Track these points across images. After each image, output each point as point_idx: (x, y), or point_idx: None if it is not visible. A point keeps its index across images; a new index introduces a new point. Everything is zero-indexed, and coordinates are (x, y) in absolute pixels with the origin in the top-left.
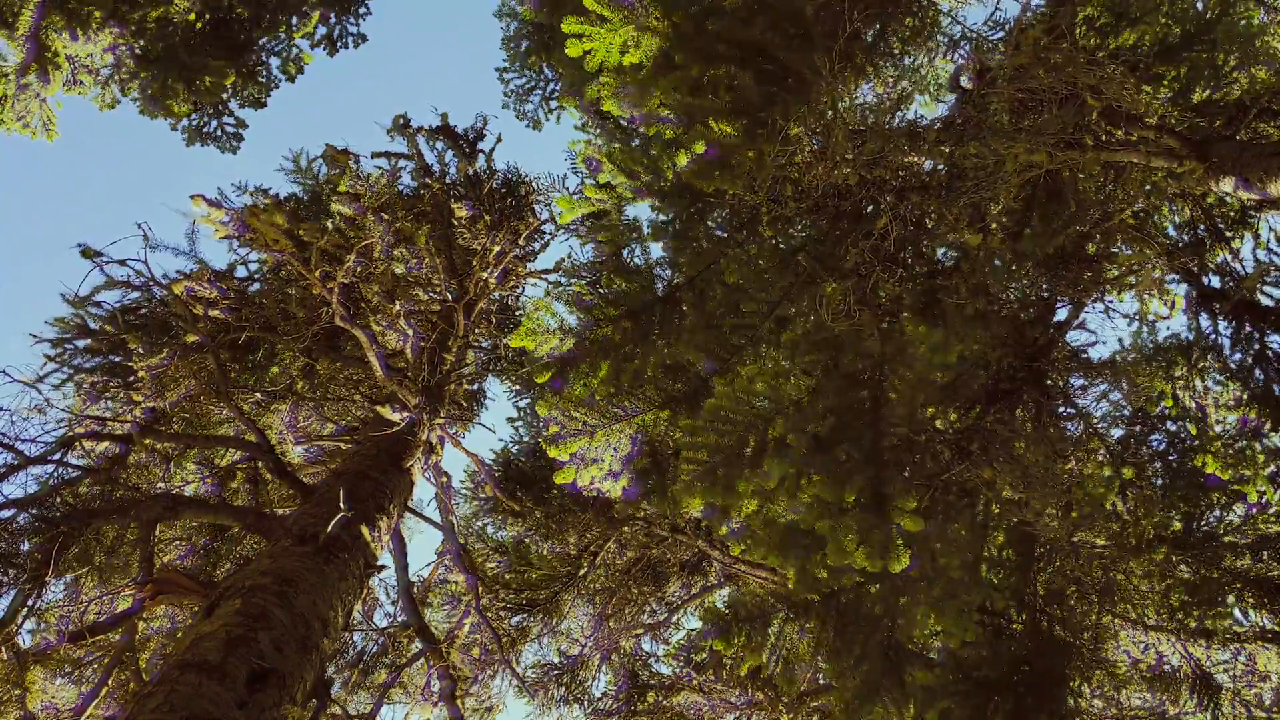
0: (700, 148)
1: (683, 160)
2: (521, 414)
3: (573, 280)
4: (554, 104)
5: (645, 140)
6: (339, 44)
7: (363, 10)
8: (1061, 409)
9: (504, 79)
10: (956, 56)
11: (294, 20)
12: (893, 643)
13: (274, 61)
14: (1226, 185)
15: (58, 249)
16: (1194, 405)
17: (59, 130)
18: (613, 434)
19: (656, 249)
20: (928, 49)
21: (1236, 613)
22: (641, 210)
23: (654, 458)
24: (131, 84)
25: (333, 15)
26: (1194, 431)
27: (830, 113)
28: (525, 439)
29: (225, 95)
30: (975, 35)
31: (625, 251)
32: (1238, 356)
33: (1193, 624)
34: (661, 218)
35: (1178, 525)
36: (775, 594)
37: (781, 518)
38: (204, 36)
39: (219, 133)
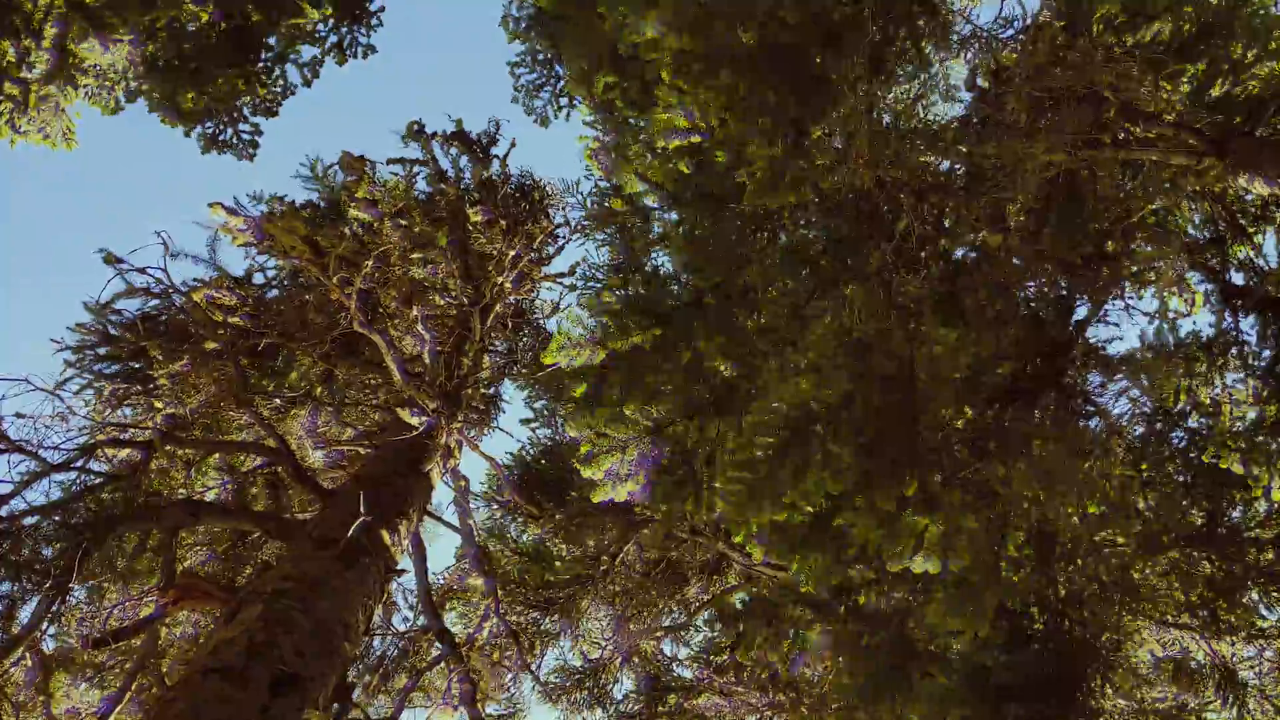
0: (722, 156)
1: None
2: (538, 415)
3: (601, 290)
4: (563, 101)
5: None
6: (348, 53)
7: (374, 22)
8: (1081, 406)
9: (515, 74)
10: (971, 56)
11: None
12: (905, 641)
13: (288, 68)
14: (1246, 181)
15: (73, 256)
16: (1211, 402)
17: (78, 139)
18: (645, 446)
19: (680, 255)
20: (945, 48)
21: (1262, 609)
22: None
23: (687, 465)
24: (140, 90)
25: (344, 26)
26: (1217, 427)
27: (855, 115)
28: (542, 440)
29: (240, 102)
30: (989, 35)
31: (649, 258)
32: (1262, 352)
33: (1223, 622)
34: (678, 219)
35: (1203, 523)
36: (788, 588)
37: (800, 518)
38: (217, 42)
39: (234, 140)
